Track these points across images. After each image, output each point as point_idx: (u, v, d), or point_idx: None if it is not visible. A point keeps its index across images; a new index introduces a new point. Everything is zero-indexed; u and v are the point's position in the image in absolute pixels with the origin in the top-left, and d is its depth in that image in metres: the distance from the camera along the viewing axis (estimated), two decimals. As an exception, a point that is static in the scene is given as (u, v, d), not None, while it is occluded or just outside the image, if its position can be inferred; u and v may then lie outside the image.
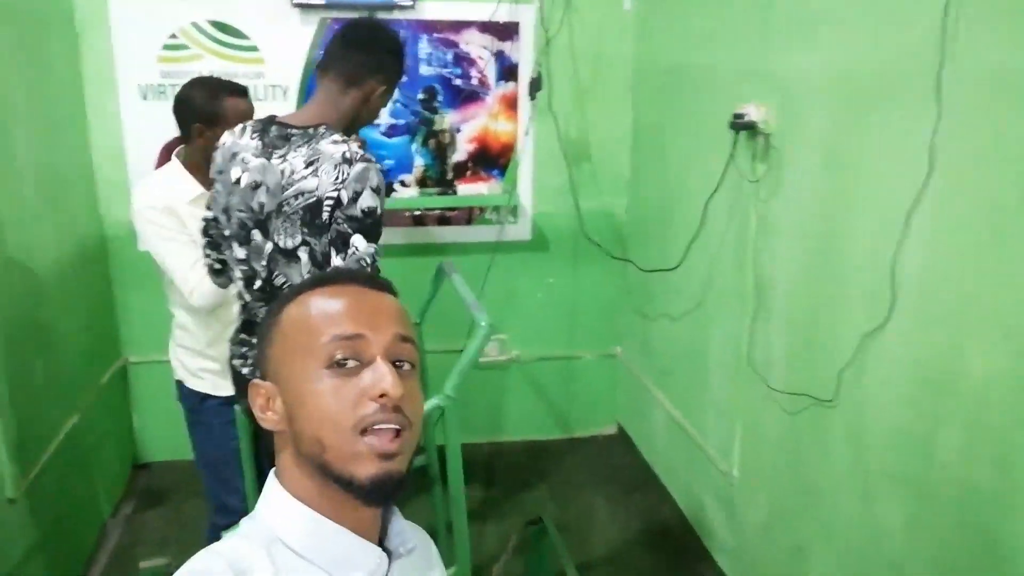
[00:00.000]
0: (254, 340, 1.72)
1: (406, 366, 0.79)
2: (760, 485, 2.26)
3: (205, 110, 1.93)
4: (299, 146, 1.60)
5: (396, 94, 2.91)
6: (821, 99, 1.87)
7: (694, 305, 2.61)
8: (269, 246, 1.65)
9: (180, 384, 2.13)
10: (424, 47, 2.95)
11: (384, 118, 2.99)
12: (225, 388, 2.08)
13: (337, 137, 1.61)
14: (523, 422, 3.43)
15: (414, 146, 3.04)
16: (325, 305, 0.79)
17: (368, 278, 0.84)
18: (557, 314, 3.32)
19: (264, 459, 2.20)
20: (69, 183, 2.61)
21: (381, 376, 0.75)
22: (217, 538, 0.81)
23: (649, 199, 3.01)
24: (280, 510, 0.78)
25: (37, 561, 2.18)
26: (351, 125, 1.74)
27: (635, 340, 3.24)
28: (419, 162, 3.06)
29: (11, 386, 2.04)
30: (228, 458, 2.08)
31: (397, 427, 0.75)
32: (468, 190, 3.11)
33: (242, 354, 1.79)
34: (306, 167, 1.57)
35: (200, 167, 1.97)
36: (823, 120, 1.87)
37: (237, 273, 1.76)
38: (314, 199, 1.57)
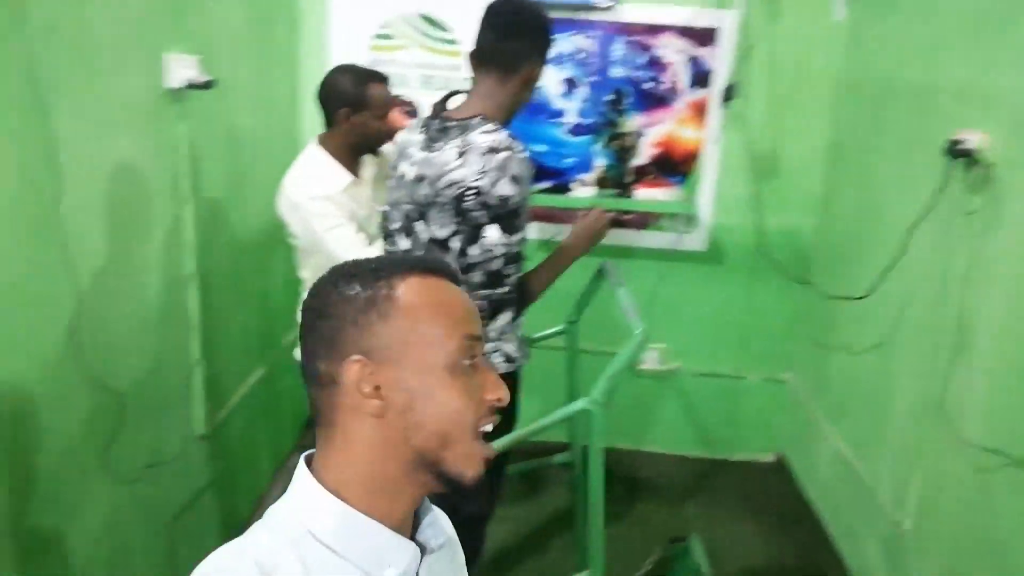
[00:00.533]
0: None
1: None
2: (937, 543, 2.06)
3: (352, 95, 1.98)
4: (454, 138, 1.64)
5: (586, 92, 2.96)
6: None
7: (881, 339, 2.42)
8: (426, 236, 1.70)
9: None
10: (617, 49, 2.93)
11: (570, 117, 3.00)
12: None
13: (489, 127, 1.63)
14: (676, 436, 3.34)
15: (596, 146, 3.03)
16: (447, 299, 0.78)
17: (452, 273, 0.83)
18: (725, 331, 3.20)
19: None
20: (276, 155, 2.82)
21: (496, 383, 0.79)
22: None
23: (842, 221, 2.83)
24: (313, 502, 0.75)
25: (215, 495, 2.38)
26: (513, 110, 1.74)
27: (808, 368, 3.06)
28: (599, 163, 3.05)
29: (209, 335, 2.23)
30: None
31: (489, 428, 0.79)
32: (646, 195, 3.06)
33: None
34: (457, 158, 1.61)
35: (344, 153, 2.02)
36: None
37: None
38: (461, 188, 1.60)
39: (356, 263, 0.80)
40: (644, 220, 3.11)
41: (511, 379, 1.78)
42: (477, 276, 1.63)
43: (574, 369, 2.51)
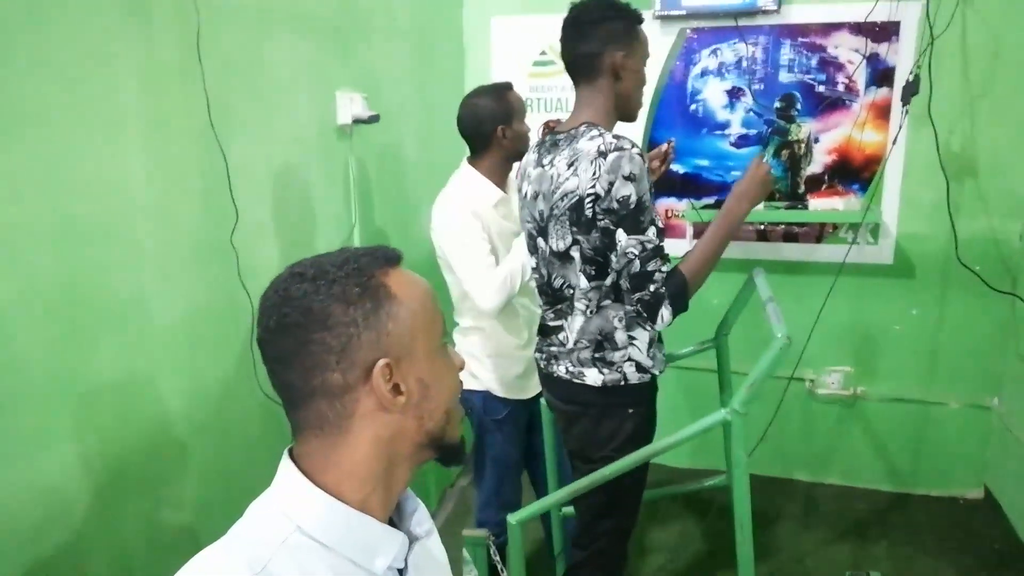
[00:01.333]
0: (548, 341, 1.78)
1: None
2: None
3: (500, 111, 2.02)
4: (563, 149, 1.62)
5: (750, 101, 2.84)
6: None
7: (1105, 356, 2.09)
8: (546, 250, 1.69)
9: (486, 395, 2.14)
10: (785, 53, 2.79)
11: (734, 128, 2.89)
12: (527, 390, 2.18)
13: (595, 132, 1.59)
14: (865, 467, 3.06)
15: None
16: (421, 284, 0.82)
17: (399, 257, 0.82)
18: (917, 351, 2.90)
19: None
20: (441, 182, 2.95)
21: (455, 352, 0.86)
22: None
23: (1053, 224, 2.49)
24: (302, 499, 0.75)
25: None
26: (624, 111, 1.69)
27: (1019, 392, 2.70)
28: (769, 173, 2.90)
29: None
30: (517, 461, 2.24)
31: None
32: (821, 205, 2.86)
33: (540, 348, 1.84)
34: (568, 168, 1.59)
35: (498, 169, 2.06)
36: None
37: (532, 283, 1.85)
38: (576, 198, 1.57)
39: (314, 265, 0.78)
40: (820, 232, 2.91)
41: (644, 391, 1.72)
42: (624, 282, 1.60)
43: (727, 386, 2.38)
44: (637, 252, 1.56)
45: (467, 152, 2.14)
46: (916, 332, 2.89)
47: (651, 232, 1.57)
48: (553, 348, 1.77)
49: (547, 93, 3.04)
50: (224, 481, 1.68)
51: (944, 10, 2.58)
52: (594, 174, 1.55)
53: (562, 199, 1.61)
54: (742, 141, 2.91)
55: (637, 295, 1.59)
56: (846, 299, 2.87)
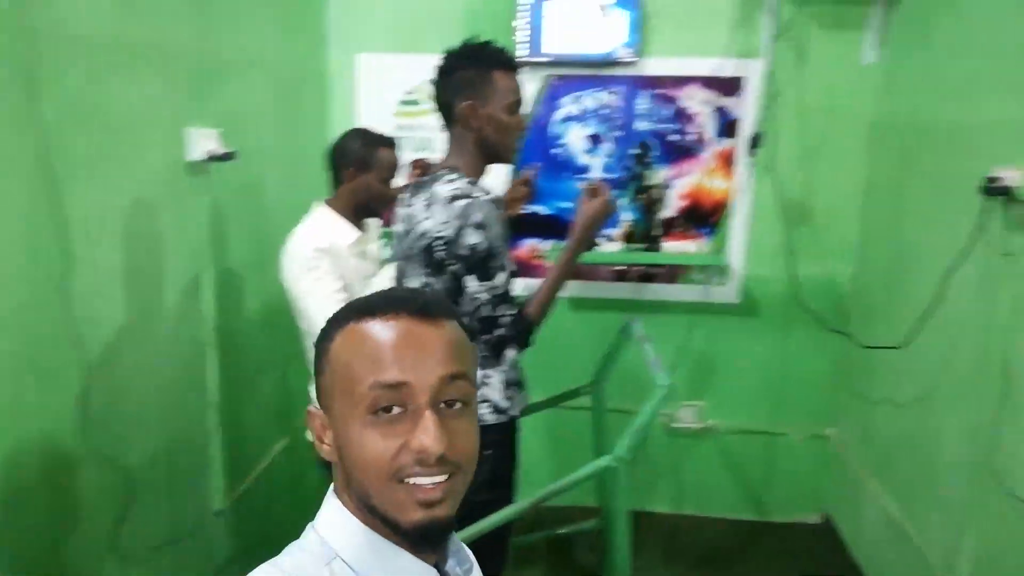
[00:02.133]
0: None
1: (457, 405, 0.76)
2: (996, 612, 1.91)
3: (359, 156, 2.01)
4: (423, 191, 1.66)
5: (610, 147, 2.95)
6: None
7: (925, 391, 2.30)
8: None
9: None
10: (642, 102, 2.92)
11: (595, 172, 2.99)
12: None
13: (452, 176, 1.64)
14: (715, 497, 3.21)
15: (623, 201, 3.01)
16: (369, 344, 0.75)
17: (419, 306, 0.77)
18: (762, 386, 3.09)
19: None
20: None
21: (422, 431, 0.73)
22: None
23: (878, 268, 2.73)
24: (339, 528, 0.78)
25: (236, 571, 2.34)
26: (490, 157, 1.71)
27: (852, 423, 2.93)
28: (626, 217, 3.02)
29: (229, 405, 2.23)
30: None
31: (439, 479, 0.74)
32: (675, 248, 3.01)
33: None
34: (424, 209, 1.62)
35: (350, 213, 2.04)
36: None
37: None
38: (428, 240, 1.61)
39: (341, 311, 0.82)
40: (674, 274, 3.05)
41: (501, 432, 1.71)
42: (471, 323, 1.62)
43: (602, 429, 2.44)
44: (487, 298, 1.60)
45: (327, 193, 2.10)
46: (761, 367, 3.07)
47: (500, 278, 1.61)
48: None
49: (413, 132, 3.02)
50: (55, 559, 1.51)
51: (784, 69, 2.80)
52: (445, 219, 1.58)
53: (417, 239, 1.64)
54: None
55: (484, 337, 1.63)
56: (699, 336, 3.02)
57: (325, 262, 1.93)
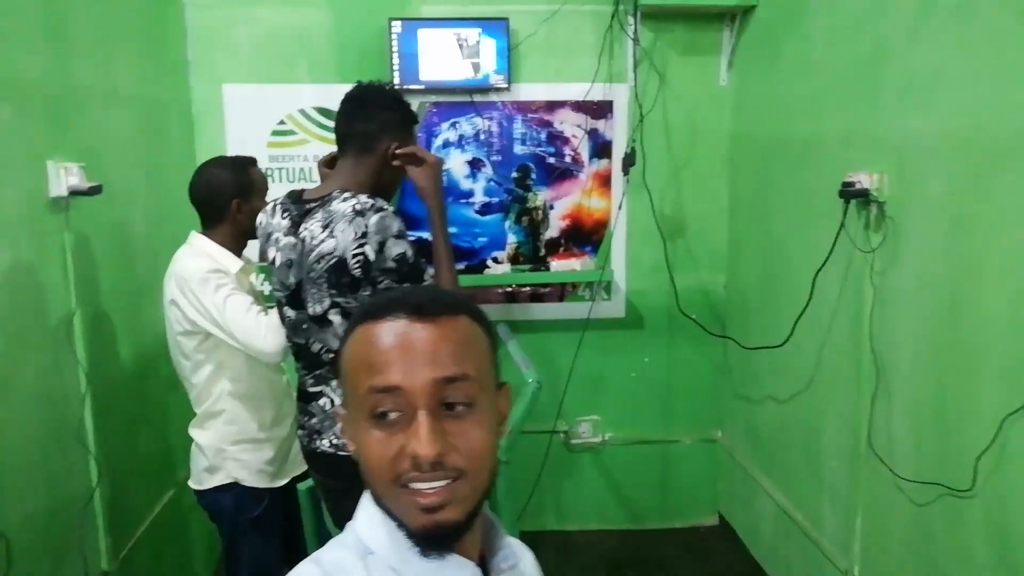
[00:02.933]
0: (308, 410, 1.70)
1: (459, 407, 0.74)
2: (886, 586, 2.04)
3: (237, 185, 1.95)
4: (315, 213, 1.63)
5: (491, 172, 2.99)
6: (941, 162, 1.76)
7: (804, 385, 2.45)
8: (302, 316, 1.67)
9: (236, 489, 1.95)
10: (518, 127, 2.98)
11: (478, 196, 3.02)
12: (282, 475, 2.04)
13: (347, 195, 1.62)
14: (615, 509, 3.26)
15: (507, 223, 3.04)
16: (366, 348, 0.75)
17: (416, 305, 0.75)
18: (652, 395, 3.19)
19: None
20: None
21: (413, 435, 0.72)
22: None
23: (750, 274, 2.90)
24: (373, 525, 0.78)
25: (126, 638, 2.15)
26: (379, 191, 1.73)
27: (737, 423, 3.07)
28: (512, 239, 3.06)
29: (111, 458, 2.06)
30: (279, 563, 2.00)
31: (438, 485, 0.72)
32: (561, 266, 3.08)
33: (301, 424, 1.77)
34: (323, 230, 1.59)
35: (234, 242, 1.98)
36: (944, 185, 1.75)
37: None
38: (335, 259, 1.58)
39: (354, 315, 0.83)
40: (561, 292, 3.11)
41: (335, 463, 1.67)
42: None
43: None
44: None
45: (198, 226, 2.00)
46: (650, 378, 3.17)
47: (427, 277, 1.64)
48: (314, 421, 1.70)
49: (288, 163, 2.94)
50: None
51: (649, 91, 2.94)
52: (357, 235, 1.55)
53: (318, 262, 1.59)
54: (485, 208, 3.03)
55: None
56: (590, 351, 3.07)
57: (226, 281, 1.86)
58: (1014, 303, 1.54)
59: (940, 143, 1.77)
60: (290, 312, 1.70)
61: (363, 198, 1.58)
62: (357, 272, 1.57)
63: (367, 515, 0.79)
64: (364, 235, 1.55)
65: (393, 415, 0.73)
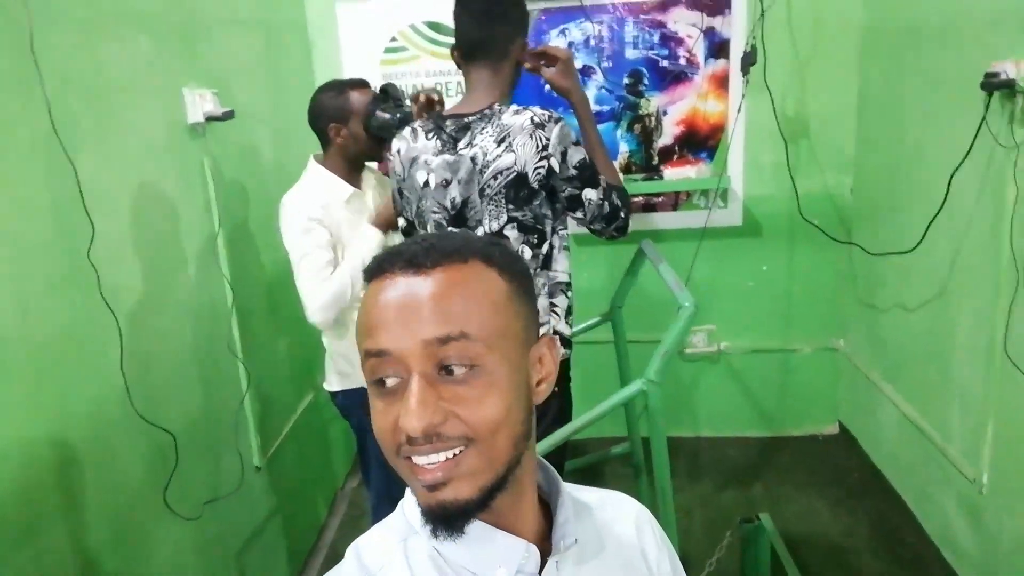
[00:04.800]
0: None
1: (459, 370, 0.65)
2: (1017, 494, 1.97)
3: (335, 109, 1.97)
4: (483, 129, 1.62)
5: (601, 79, 2.93)
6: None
7: (935, 291, 2.34)
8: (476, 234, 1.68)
9: (365, 392, 2.07)
10: (630, 30, 2.89)
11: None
12: None
13: (516, 107, 1.63)
14: (733, 418, 3.27)
15: (619, 132, 2.99)
16: (364, 309, 0.68)
17: (410, 257, 0.67)
18: (771, 304, 3.13)
19: None
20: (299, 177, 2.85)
21: (406, 410, 0.64)
22: None
23: (879, 176, 2.74)
24: (415, 502, 0.72)
25: (277, 525, 2.39)
26: (512, 95, 1.75)
27: (860, 332, 2.98)
28: (624, 148, 3.01)
29: (257, 364, 2.25)
30: None
31: (437, 459, 0.65)
32: (675, 174, 3.01)
33: None
34: (498, 145, 1.59)
35: (344, 168, 2.01)
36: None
37: None
38: (514, 174, 1.58)
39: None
40: (675, 200, 3.06)
41: (564, 369, 1.76)
42: (597, 225, 1.70)
43: (624, 357, 2.47)
44: (600, 197, 1.65)
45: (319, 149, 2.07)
46: (768, 286, 3.10)
47: (602, 184, 1.66)
48: None
49: (400, 80, 2.98)
50: (111, 522, 1.54)
51: (770, -16, 2.77)
52: (542, 147, 1.57)
53: (495, 177, 1.60)
54: (597, 117, 2.98)
55: (611, 227, 1.71)
56: (704, 261, 3.03)
57: (317, 230, 1.91)
58: None
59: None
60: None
61: (538, 110, 1.60)
62: (535, 185, 1.59)
63: (411, 491, 0.73)
64: (546, 147, 1.57)
65: (391, 382, 0.66)
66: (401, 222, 1.85)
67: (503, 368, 0.67)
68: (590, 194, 1.64)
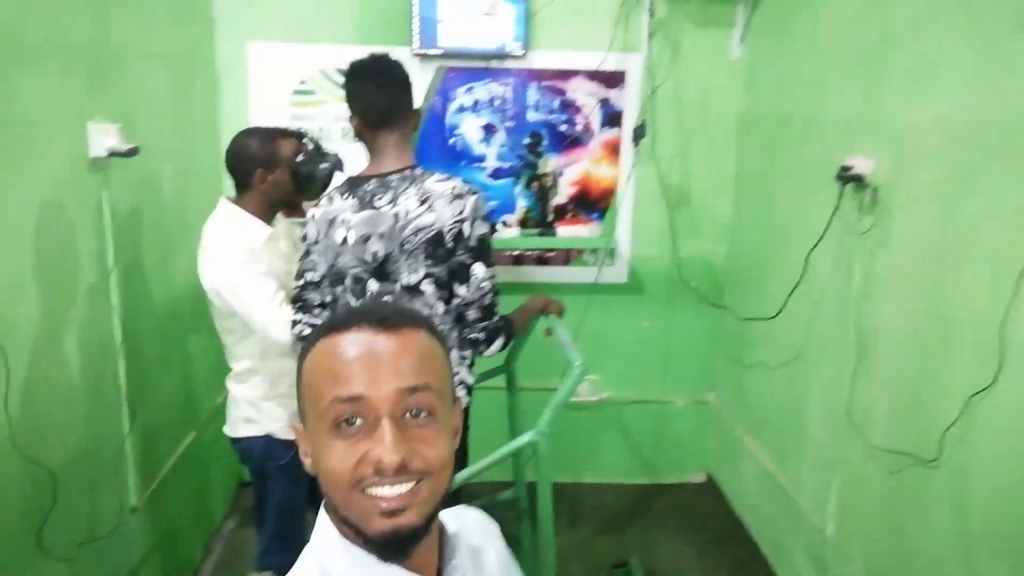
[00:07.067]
0: None
1: (421, 416, 0.77)
2: (856, 544, 2.20)
3: (263, 155, 2.00)
4: (405, 189, 1.74)
5: (504, 137, 3.08)
6: (935, 152, 1.85)
7: (793, 356, 2.58)
8: (388, 287, 1.77)
9: (268, 440, 2.08)
10: (532, 94, 3.07)
11: (490, 161, 3.11)
12: None
13: (440, 175, 1.77)
14: (611, 464, 3.44)
15: (517, 188, 3.15)
16: (330, 360, 0.77)
17: (380, 318, 0.78)
18: (650, 358, 3.33)
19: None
20: (201, 218, 2.82)
21: (378, 441, 0.74)
22: None
23: (750, 247, 3.01)
24: (327, 544, 0.81)
25: (153, 566, 2.34)
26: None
27: (729, 388, 3.22)
28: (521, 204, 3.16)
29: (141, 401, 2.21)
30: (302, 502, 2.17)
31: (400, 490, 0.75)
32: (568, 232, 3.19)
33: None
34: (420, 205, 1.73)
35: (261, 210, 2.04)
36: (936, 173, 1.85)
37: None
38: (434, 232, 1.72)
39: (312, 332, 0.85)
40: (567, 256, 3.23)
41: (466, 413, 1.92)
42: (472, 313, 1.80)
43: (516, 407, 2.58)
44: (490, 286, 1.78)
45: (227, 189, 2.08)
46: (649, 341, 3.31)
47: (494, 268, 1.80)
48: None
49: (308, 123, 3.03)
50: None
51: (662, 63, 3.01)
52: (456, 213, 1.72)
53: (415, 234, 1.73)
54: (497, 173, 3.13)
55: (484, 323, 1.80)
56: (592, 315, 3.21)
57: (257, 263, 1.94)
58: (990, 292, 1.65)
59: (935, 134, 1.86)
60: (373, 285, 1.80)
61: (459, 182, 1.76)
62: (451, 245, 1.73)
63: (323, 536, 0.82)
64: (462, 212, 1.73)
65: (357, 423, 0.75)
66: (303, 280, 1.90)
67: (447, 419, 0.80)
68: (478, 269, 1.77)
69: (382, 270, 1.77)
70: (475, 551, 0.92)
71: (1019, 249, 1.54)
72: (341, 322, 0.79)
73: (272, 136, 2.06)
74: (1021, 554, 1.57)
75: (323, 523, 0.83)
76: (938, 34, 1.86)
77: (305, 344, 0.83)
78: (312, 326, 1.86)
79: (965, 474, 1.74)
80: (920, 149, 1.92)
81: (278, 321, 1.91)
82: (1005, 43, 1.63)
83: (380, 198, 1.76)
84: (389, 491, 0.74)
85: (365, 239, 1.77)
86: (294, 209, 2.21)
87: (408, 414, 0.76)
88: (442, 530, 0.89)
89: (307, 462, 0.83)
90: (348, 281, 1.81)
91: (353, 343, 0.77)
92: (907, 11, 1.97)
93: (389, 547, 0.76)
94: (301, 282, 1.89)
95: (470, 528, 0.95)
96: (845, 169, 2.15)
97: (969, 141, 1.74)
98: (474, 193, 1.77)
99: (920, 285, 1.90)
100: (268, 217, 2.08)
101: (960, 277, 1.76)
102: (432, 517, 0.79)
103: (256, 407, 2.08)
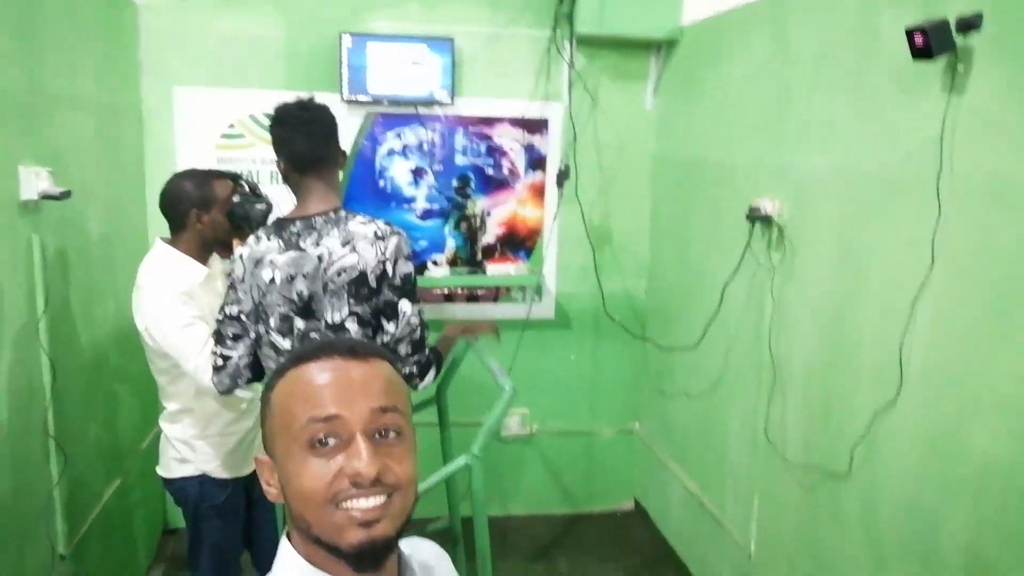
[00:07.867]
0: None
1: (391, 435, 0.82)
2: (777, 559, 2.34)
3: (199, 196, 2.04)
4: (329, 231, 1.80)
5: (432, 180, 3.18)
6: (831, 195, 2.05)
7: (712, 383, 2.74)
8: (314, 325, 1.81)
9: (203, 479, 2.08)
10: (460, 139, 3.18)
11: (419, 203, 3.20)
12: (247, 466, 2.15)
13: (363, 218, 1.83)
14: (540, 496, 3.51)
15: (446, 228, 3.24)
16: (304, 385, 0.82)
17: (348, 348, 0.84)
18: (577, 390, 3.45)
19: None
20: (127, 261, 2.79)
21: (354, 455, 0.79)
22: None
23: (669, 282, 3.18)
24: (288, 570, 0.84)
25: (81, 618, 2.26)
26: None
27: (653, 416, 3.36)
28: (451, 243, 3.26)
29: (67, 448, 2.15)
30: (237, 545, 2.19)
31: (376, 502, 0.79)
32: (496, 270, 3.29)
33: None
34: (343, 247, 1.78)
35: (196, 251, 2.06)
36: (833, 214, 2.05)
37: None
38: (357, 273, 1.77)
39: (280, 363, 0.88)
40: (496, 294, 3.33)
41: None
42: (403, 348, 1.83)
43: (447, 439, 2.63)
44: (418, 321, 1.82)
45: (153, 232, 2.08)
46: (576, 374, 3.43)
47: (420, 303, 1.84)
48: None
49: (236, 166, 3.05)
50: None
51: (582, 111, 3.19)
52: (379, 254, 1.77)
53: (339, 274, 1.76)
54: (427, 214, 3.22)
55: (415, 357, 1.84)
56: (520, 350, 3.30)
57: (190, 306, 1.94)
58: (884, 318, 1.84)
59: (830, 178, 2.06)
60: (299, 323, 1.81)
61: (382, 224, 1.81)
62: (374, 284, 1.77)
63: (283, 560, 0.85)
64: (384, 252, 1.78)
65: (332, 442, 0.80)
66: (223, 314, 1.90)
67: (412, 438, 0.86)
68: (405, 306, 1.81)
69: (307, 309, 1.81)
70: (427, 568, 0.97)
71: (911, 279, 1.73)
72: (311, 352, 0.84)
73: (207, 177, 2.09)
74: (926, 559, 1.73)
75: (286, 553, 0.85)
76: (831, 92, 2.06)
77: (271, 376, 0.87)
78: (224, 357, 1.87)
79: (873, 486, 1.90)
80: (818, 193, 2.11)
81: (208, 368, 1.91)
82: (886, 103, 1.84)
83: (305, 239, 1.80)
84: (365, 503, 0.79)
85: (291, 279, 1.80)
86: (228, 250, 2.22)
87: (378, 434, 0.81)
88: (399, 552, 0.92)
89: (271, 492, 0.86)
90: (274, 320, 1.83)
91: (325, 368, 0.82)
92: (805, 70, 2.18)
93: (364, 558, 0.80)
94: (220, 316, 1.91)
95: (421, 551, 1.00)
96: (754, 210, 2.34)
97: (860, 185, 1.94)
98: (396, 234, 1.80)
99: (825, 313, 2.08)
100: (203, 257, 2.09)
101: (860, 305, 1.94)
102: (402, 531, 0.83)
103: (190, 446, 2.07)
